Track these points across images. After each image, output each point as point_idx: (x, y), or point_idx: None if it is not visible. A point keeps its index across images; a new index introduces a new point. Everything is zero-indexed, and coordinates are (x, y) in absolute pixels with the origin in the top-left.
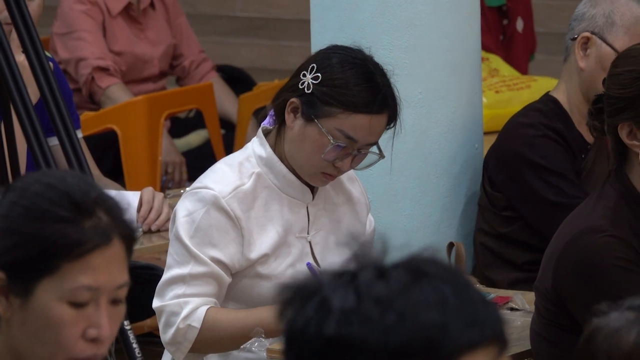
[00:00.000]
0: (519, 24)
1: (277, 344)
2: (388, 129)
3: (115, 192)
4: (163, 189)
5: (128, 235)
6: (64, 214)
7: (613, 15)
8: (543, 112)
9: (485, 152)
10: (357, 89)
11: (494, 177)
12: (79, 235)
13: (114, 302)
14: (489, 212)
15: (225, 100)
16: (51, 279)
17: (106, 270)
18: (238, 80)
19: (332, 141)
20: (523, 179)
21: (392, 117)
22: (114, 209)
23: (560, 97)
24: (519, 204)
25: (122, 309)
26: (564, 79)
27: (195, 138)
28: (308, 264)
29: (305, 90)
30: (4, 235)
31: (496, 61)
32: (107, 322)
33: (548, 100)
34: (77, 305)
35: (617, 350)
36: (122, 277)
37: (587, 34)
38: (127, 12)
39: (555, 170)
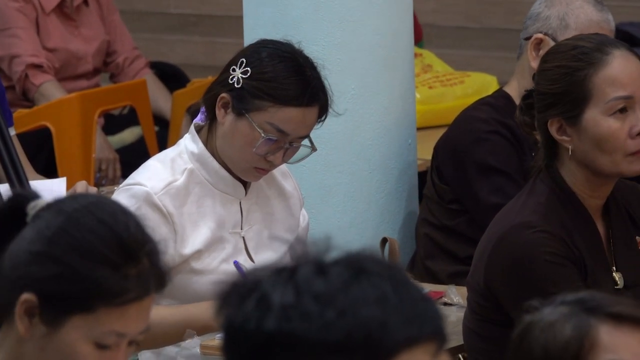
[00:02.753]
0: None
1: (210, 340)
2: (319, 122)
3: (38, 182)
4: (97, 185)
5: (162, 285)
6: (112, 258)
7: (567, 17)
8: (495, 107)
9: (418, 148)
10: (286, 82)
11: (442, 168)
12: (123, 285)
13: (130, 343)
14: (434, 203)
15: (159, 97)
16: (84, 318)
17: (138, 318)
18: (172, 77)
19: (263, 135)
20: (467, 176)
21: (323, 109)
22: (156, 256)
23: (513, 93)
24: (462, 199)
25: (133, 348)
26: (516, 77)
27: (129, 135)
28: (235, 262)
29: (235, 85)
30: (46, 261)
31: (429, 57)
32: None
33: (500, 95)
34: (102, 347)
35: (554, 343)
36: (147, 322)
37: (540, 35)
38: (61, 9)
39: (500, 169)
